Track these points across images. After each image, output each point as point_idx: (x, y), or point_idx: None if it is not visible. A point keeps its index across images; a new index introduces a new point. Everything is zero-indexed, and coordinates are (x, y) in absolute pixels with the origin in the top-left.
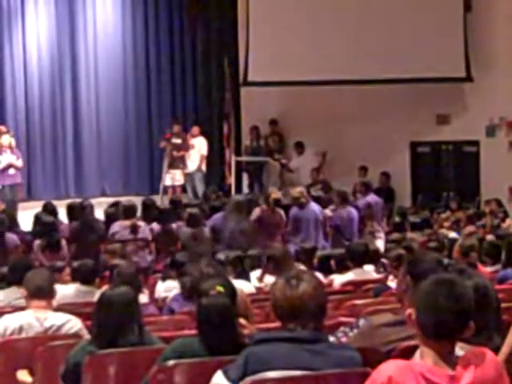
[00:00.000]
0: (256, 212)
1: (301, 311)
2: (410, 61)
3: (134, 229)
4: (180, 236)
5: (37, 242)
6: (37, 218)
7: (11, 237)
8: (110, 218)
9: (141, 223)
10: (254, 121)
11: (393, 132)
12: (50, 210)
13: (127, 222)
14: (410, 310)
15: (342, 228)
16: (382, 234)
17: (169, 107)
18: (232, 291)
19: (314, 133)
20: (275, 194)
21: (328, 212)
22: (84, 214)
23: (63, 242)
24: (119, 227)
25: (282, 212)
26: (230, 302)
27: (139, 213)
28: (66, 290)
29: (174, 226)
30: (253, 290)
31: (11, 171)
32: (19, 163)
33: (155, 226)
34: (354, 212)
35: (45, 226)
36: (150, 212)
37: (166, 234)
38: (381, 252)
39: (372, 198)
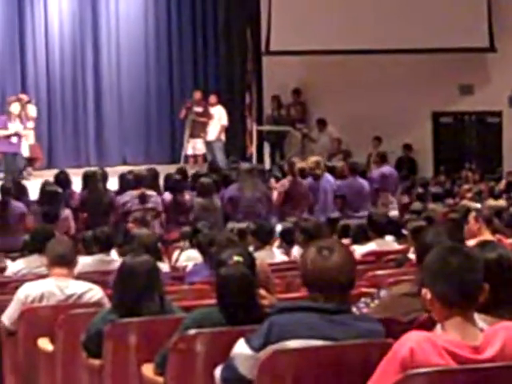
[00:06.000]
0: (284, 183)
1: (330, 283)
2: (433, 30)
3: (143, 198)
4: (193, 206)
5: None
6: (42, 187)
7: (17, 205)
8: (122, 187)
9: (151, 192)
10: (275, 90)
11: (415, 102)
12: (60, 179)
13: (136, 192)
14: (424, 290)
15: (348, 198)
16: (395, 206)
17: (190, 76)
18: (251, 261)
19: (335, 103)
20: (300, 163)
21: (337, 182)
22: (93, 183)
23: (66, 213)
24: (129, 196)
25: (304, 182)
26: (249, 272)
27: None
28: (83, 259)
29: (187, 196)
30: (275, 260)
31: (14, 140)
32: (28, 134)
33: (167, 195)
34: (364, 183)
35: (48, 195)
36: (157, 182)
37: (177, 204)
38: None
39: (387, 169)
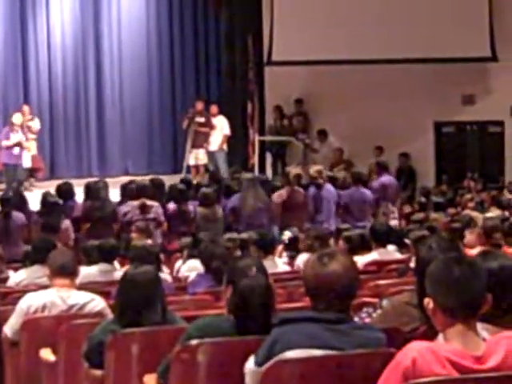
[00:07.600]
0: (282, 193)
1: (327, 289)
2: (434, 40)
3: (144, 208)
4: (196, 216)
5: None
6: (42, 198)
7: (18, 215)
8: (124, 197)
9: (152, 203)
10: (277, 100)
11: (417, 112)
12: (63, 190)
13: (137, 202)
14: (427, 300)
15: (351, 208)
16: (396, 215)
17: (192, 86)
18: (264, 272)
19: (337, 112)
20: (296, 170)
21: (340, 191)
22: (96, 192)
23: (66, 223)
24: (130, 207)
25: (302, 191)
26: (270, 284)
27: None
28: (88, 269)
29: (190, 206)
30: (277, 270)
31: (16, 150)
32: (30, 145)
33: (171, 205)
34: (367, 193)
35: (48, 206)
36: (161, 192)
37: (180, 214)
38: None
39: (387, 178)
